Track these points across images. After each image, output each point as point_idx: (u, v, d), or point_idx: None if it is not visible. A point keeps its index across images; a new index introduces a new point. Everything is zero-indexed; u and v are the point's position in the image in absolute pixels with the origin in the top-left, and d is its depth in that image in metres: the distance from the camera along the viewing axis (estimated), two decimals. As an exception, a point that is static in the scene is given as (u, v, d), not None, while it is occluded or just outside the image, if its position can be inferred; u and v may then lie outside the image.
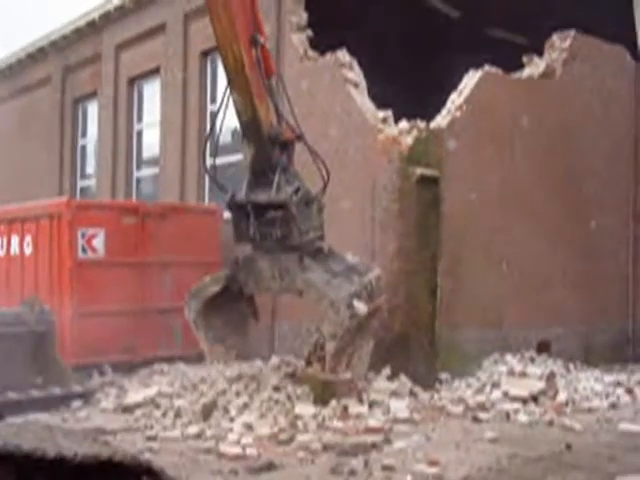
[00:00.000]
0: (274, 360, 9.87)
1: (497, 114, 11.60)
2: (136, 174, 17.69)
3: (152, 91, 17.04)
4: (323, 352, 9.17)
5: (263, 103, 9.12)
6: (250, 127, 9.15)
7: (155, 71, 16.60)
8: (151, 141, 17.03)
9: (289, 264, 9.31)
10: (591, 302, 12.69)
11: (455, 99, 11.28)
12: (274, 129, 9.22)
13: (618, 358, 12.95)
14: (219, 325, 10.05)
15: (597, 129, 13.00)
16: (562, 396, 10.03)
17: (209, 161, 10.01)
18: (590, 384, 10.85)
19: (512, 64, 12.24)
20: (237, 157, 13.91)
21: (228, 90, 9.23)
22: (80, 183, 20.16)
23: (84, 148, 20.21)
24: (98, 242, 11.47)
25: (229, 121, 14.89)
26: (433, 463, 6.94)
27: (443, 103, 11.36)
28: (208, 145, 10.24)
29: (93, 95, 19.04)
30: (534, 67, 12.41)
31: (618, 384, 11.01)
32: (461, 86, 11.41)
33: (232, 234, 9.75)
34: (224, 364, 9.70)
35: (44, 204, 12.41)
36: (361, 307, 9.05)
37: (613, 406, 10.03)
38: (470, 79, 11.39)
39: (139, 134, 17.70)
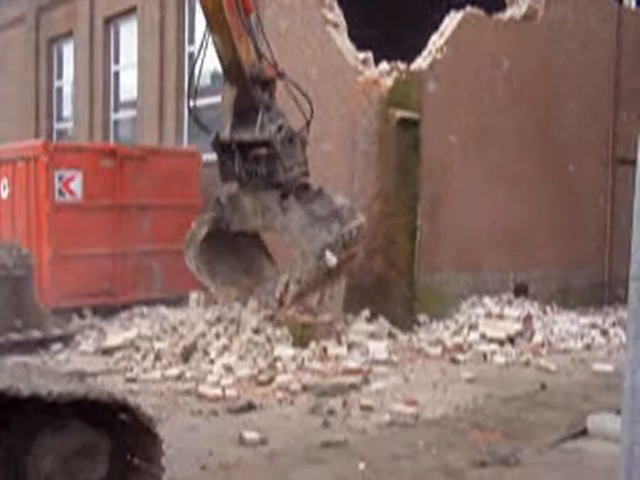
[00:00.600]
0: (253, 303, 9.90)
1: (478, 56, 11.50)
2: (114, 116, 17.46)
3: (129, 31, 16.71)
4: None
5: (243, 43, 9.03)
6: (231, 67, 9.11)
7: (132, 10, 16.25)
8: (129, 83, 16.76)
9: (270, 201, 9.40)
10: (569, 245, 12.79)
11: (436, 40, 11.15)
12: (255, 68, 9.19)
13: (594, 300, 13.13)
14: (227, 269, 10.07)
15: (578, 71, 12.94)
16: (538, 337, 10.19)
17: (191, 102, 9.86)
18: (566, 326, 11.02)
19: (494, 5, 12.10)
20: (217, 99, 13.74)
21: (207, 32, 9.13)
22: (57, 125, 19.88)
23: (60, 90, 19.86)
24: (75, 185, 11.34)
25: (208, 64, 14.80)
26: (411, 403, 7.05)
27: (424, 44, 11.24)
28: (190, 86, 10.08)
29: (68, 35, 18.64)
30: (516, 8, 12.27)
31: (593, 326, 11.19)
32: (442, 27, 11.28)
33: (218, 173, 9.78)
34: (239, 304, 9.73)
35: (20, 147, 12.23)
36: (331, 259, 9.18)
37: (588, 347, 10.21)
38: (451, 20, 11.26)
39: (116, 75, 17.41)
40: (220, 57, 9.10)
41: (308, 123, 9.64)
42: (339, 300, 9.78)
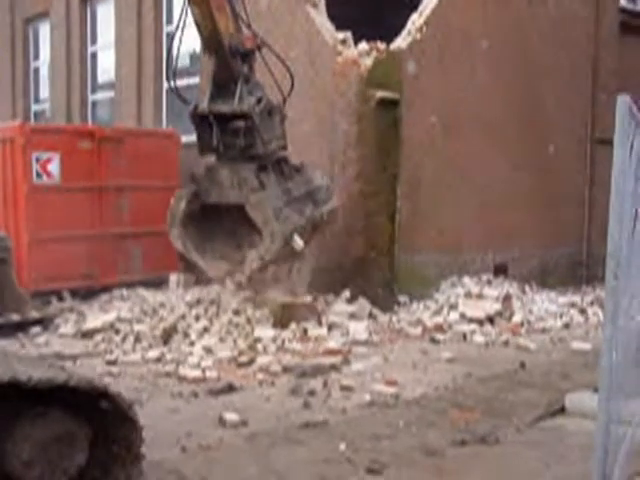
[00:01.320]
0: (232, 284, 9.88)
1: (457, 36, 11.48)
2: (91, 98, 17.28)
3: (106, 11, 16.51)
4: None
5: (222, 14, 8.97)
6: (210, 39, 9.05)
7: (109, -10, 16.07)
8: (106, 64, 16.59)
9: (247, 174, 9.34)
10: (548, 225, 12.86)
11: (415, 20, 11.12)
12: (234, 39, 9.13)
13: (573, 280, 13.23)
14: (216, 244, 9.93)
15: (557, 52, 12.95)
16: (517, 317, 10.27)
17: (171, 76, 9.78)
18: (545, 305, 11.11)
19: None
20: (196, 80, 13.66)
21: (186, 3, 9.04)
22: (34, 107, 19.65)
23: (37, 71, 19.62)
24: (53, 167, 11.23)
25: (187, 44, 14.67)
26: (391, 383, 7.08)
27: (403, 24, 11.20)
28: (170, 56, 9.97)
29: (45, 15, 18.38)
30: (495, -13, 12.24)
31: (572, 305, 11.29)
32: (422, 7, 11.25)
33: (196, 145, 9.73)
34: (230, 280, 9.61)
35: (-4, 128, 12.09)
36: (299, 243, 9.27)
37: (566, 326, 10.30)
38: (431, 0, 11.22)
39: (93, 56, 17.21)
40: (199, 28, 9.02)
41: (288, 95, 9.61)
42: (305, 280, 9.86)
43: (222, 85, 9.31)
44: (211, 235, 9.88)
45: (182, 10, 9.20)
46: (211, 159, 9.81)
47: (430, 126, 11.19)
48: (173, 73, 9.70)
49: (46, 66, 18.91)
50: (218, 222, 9.85)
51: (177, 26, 9.40)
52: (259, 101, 9.26)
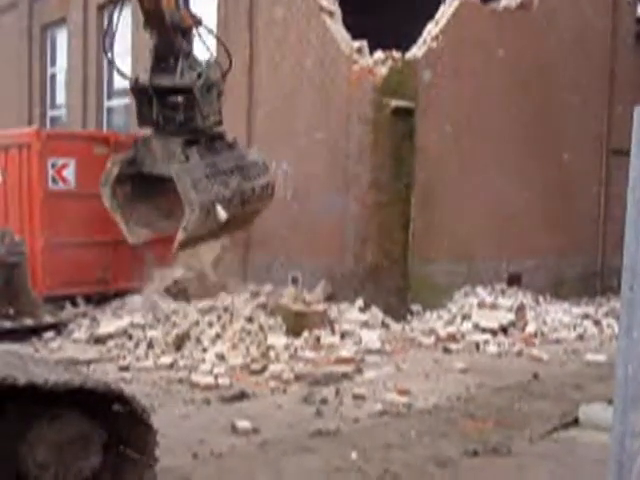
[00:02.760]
0: (246, 291, 9.90)
1: (473, 45, 11.47)
2: (107, 104, 17.37)
3: (123, 18, 16.56)
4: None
5: None
6: (152, 14, 9.26)
7: (125, -3, 16.13)
8: (122, 70, 16.65)
9: (175, 147, 9.49)
10: (562, 235, 12.80)
11: (431, 29, 11.12)
12: (175, 15, 9.30)
13: (587, 291, 13.15)
14: (146, 211, 10.15)
15: (573, 62, 12.92)
16: (531, 327, 10.22)
17: (108, 50, 10.12)
18: (559, 316, 11.05)
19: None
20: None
21: None
22: (50, 113, 19.76)
23: (54, 77, 19.75)
24: (68, 173, 11.28)
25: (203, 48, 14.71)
26: (403, 392, 7.06)
27: (419, 33, 11.20)
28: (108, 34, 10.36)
29: (62, 22, 18.52)
30: (512, -3, 12.24)
31: (586, 316, 11.23)
32: (437, 16, 11.25)
33: (136, 118, 9.98)
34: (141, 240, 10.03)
35: (13, 134, 12.16)
36: (221, 214, 9.34)
37: (580, 337, 10.24)
38: (447, 9, 11.23)
39: (110, 62, 17.29)
40: (141, 3, 9.24)
41: (226, 73, 9.79)
42: (210, 257, 10.24)
43: (163, 59, 9.51)
44: (140, 202, 10.07)
45: None
46: (149, 130, 9.99)
47: (445, 135, 11.18)
48: (110, 45, 9.98)
49: (63, 72, 19.02)
50: (150, 191, 10.01)
51: (114, 6, 9.83)
52: (200, 76, 9.41)
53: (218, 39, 9.87)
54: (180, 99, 9.47)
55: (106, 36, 9.97)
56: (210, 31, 9.84)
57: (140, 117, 9.84)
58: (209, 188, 9.35)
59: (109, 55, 9.95)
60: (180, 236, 9.39)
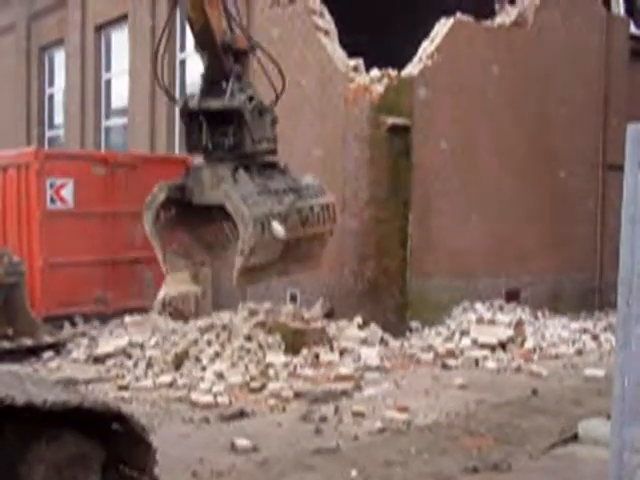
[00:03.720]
0: (245, 309, 9.90)
1: (468, 62, 11.55)
2: (105, 124, 17.44)
3: (120, 39, 16.71)
4: None
5: (215, 10, 8.83)
6: (202, 34, 8.91)
7: (123, 18, 16.25)
8: (120, 90, 16.75)
9: (224, 173, 8.99)
10: (560, 251, 12.83)
11: (427, 47, 11.20)
12: (227, 37, 8.98)
13: (585, 306, 13.15)
14: (185, 240, 9.65)
15: (567, 78, 12.99)
16: (530, 343, 10.21)
17: (159, 74, 9.52)
18: (557, 331, 11.05)
19: (484, 12, 12.16)
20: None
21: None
22: (48, 133, 19.85)
23: (52, 97, 19.84)
24: (67, 192, 11.33)
25: (199, 71, 14.79)
26: (402, 409, 7.05)
27: (415, 51, 11.28)
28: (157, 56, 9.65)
29: (60, 43, 18.63)
30: (506, 15, 12.34)
31: (584, 331, 11.23)
32: (433, 34, 11.33)
33: (185, 143, 9.50)
34: (180, 273, 9.54)
35: (11, 154, 12.21)
36: (278, 229, 8.66)
37: (579, 352, 10.24)
38: (442, 27, 11.31)
39: (107, 83, 17.41)
40: (190, 22, 8.91)
41: (277, 98, 9.38)
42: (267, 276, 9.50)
43: (213, 82, 9.14)
44: (182, 231, 9.58)
45: (171, 6, 9.18)
46: (199, 159, 9.58)
47: (441, 151, 11.23)
48: (161, 70, 9.52)
49: (61, 93, 19.12)
50: (194, 222, 9.51)
51: (167, 20, 9.34)
52: (251, 99, 9.04)
53: (273, 62, 9.32)
54: (230, 123, 8.92)
55: (156, 60, 9.39)
56: (266, 53, 9.36)
57: (189, 142, 9.35)
58: (259, 202, 8.65)
59: (159, 77, 9.42)
60: (238, 263, 8.49)
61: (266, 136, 9.20)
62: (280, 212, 8.78)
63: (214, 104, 8.98)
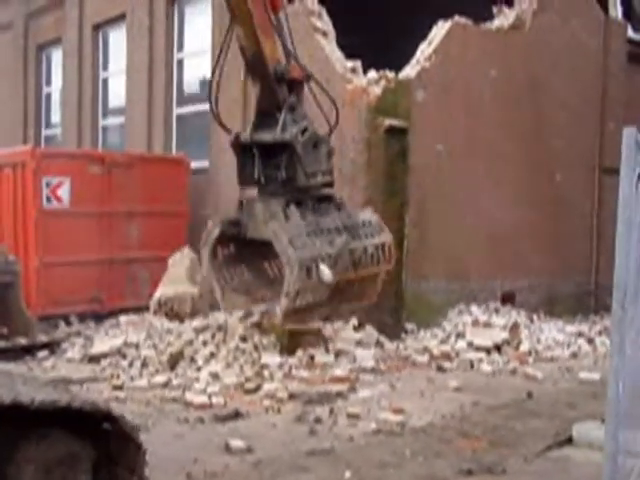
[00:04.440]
0: (240, 311, 9.87)
1: (466, 65, 11.56)
2: (102, 123, 17.42)
3: (118, 38, 16.70)
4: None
5: (269, 38, 8.60)
6: (254, 63, 8.64)
7: (121, 17, 16.23)
8: (117, 89, 16.74)
9: (276, 208, 8.70)
10: (555, 254, 12.84)
11: (424, 49, 11.21)
12: (280, 66, 8.63)
13: (581, 309, 13.17)
14: (246, 277, 9.35)
15: (565, 82, 13.01)
16: (525, 346, 10.22)
17: (213, 103, 9.10)
18: (552, 334, 11.06)
19: (482, 15, 12.17)
20: (204, 107, 13.75)
21: (230, 25, 8.71)
22: (45, 132, 19.81)
23: (49, 96, 19.81)
24: (63, 191, 11.33)
25: (197, 70, 14.78)
26: (397, 411, 7.05)
27: (412, 53, 11.29)
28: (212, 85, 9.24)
29: (57, 42, 18.60)
30: (503, 18, 12.36)
31: (580, 334, 11.24)
32: (430, 36, 11.34)
33: (237, 176, 9.12)
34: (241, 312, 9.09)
35: (8, 153, 12.21)
36: (325, 273, 8.39)
37: (574, 355, 10.25)
38: (439, 29, 11.32)
39: (105, 82, 17.38)
40: (243, 51, 8.64)
41: (332, 129, 9.12)
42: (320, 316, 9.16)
43: (266, 113, 8.80)
44: (241, 267, 9.27)
45: (226, 32, 8.79)
46: (252, 192, 9.22)
47: (438, 154, 11.24)
48: (215, 100, 9.03)
49: (58, 91, 19.09)
50: (252, 257, 9.18)
51: (220, 49, 8.93)
52: (304, 131, 8.65)
53: (326, 93, 9.06)
54: (283, 156, 8.60)
55: (211, 90, 9.00)
56: (319, 85, 9.09)
57: (241, 176, 9.00)
58: (307, 244, 8.35)
59: (214, 107, 9.04)
60: (283, 304, 8.34)
61: (321, 169, 8.87)
62: (330, 254, 8.47)
63: (266, 137, 8.70)
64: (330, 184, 9.09)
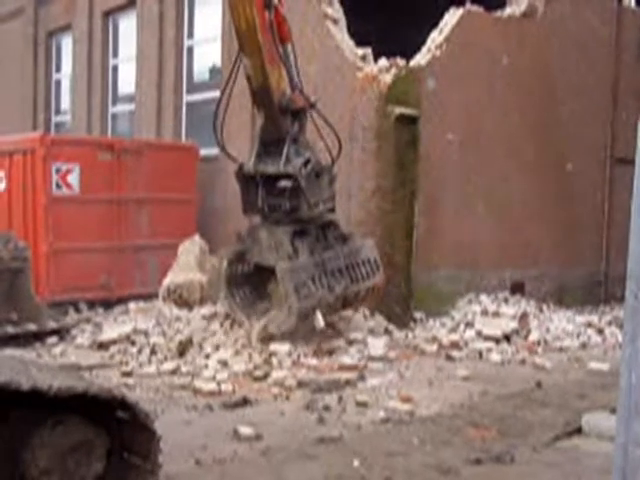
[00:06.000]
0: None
1: (477, 53, 11.49)
2: (112, 110, 17.42)
3: (128, 24, 16.67)
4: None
5: (275, 70, 8.60)
6: (260, 94, 8.63)
7: (131, 4, 16.21)
8: (127, 76, 16.73)
9: (282, 238, 8.80)
10: (565, 244, 12.80)
11: (435, 37, 11.15)
12: (285, 97, 8.70)
13: (590, 299, 13.14)
14: (264, 305, 9.24)
15: (577, 70, 12.93)
16: (534, 335, 10.20)
17: (219, 131, 9.22)
18: (562, 324, 11.03)
19: (494, 2, 12.09)
20: (214, 94, 13.74)
21: (239, 54, 8.68)
22: (55, 118, 19.83)
23: (59, 83, 19.83)
24: (73, 178, 11.33)
25: (207, 59, 14.74)
26: (406, 400, 7.05)
27: (423, 41, 11.22)
28: (217, 117, 9.34)
29: (67, 28, 18.59)
30: (515, 6, 12.27)
31: (589, 324, 11.20)
32: (442, 24, 11.27)
33: (241, 204, 9.20)
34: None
35: (18, 139, 12.21)
36: (320, 322, 8.69)
37: (583, 345, 10.22)
38: (451, 17, 11.25)
39: (114, 69, 17.38)
40: (249, 81, 8.64)
41: (335, 159, 9.16)
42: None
43: (270, 143, 8.87)
44: (258, 295, 9.31)
45: (234, 61, 8.80)
46: (256, 218, 9.31)
47: (448, 143, 11.19)
48: (221, 129, 9.15)
49: (68, 78, 19.10)
50: (264, 284, 9.24)
51: (227, 80, 8.92)
52: (307, 163, 8.73)
53: (327, 123, 9.10)
54: (286, 186, 8.69)
55: (216, 118, 9.12)
56: (321, 115, 9.12)
57: (245, 204, 9.13)
58: (313, 293, 8.54)
59: (219, 136, 9.16)
60: (264, 331, 8.62)
61: (323, 198, 8.99)
62: (329, 302, 8.75)
63: (269, 169, 8.80)
64: (332, 210, 9.25)
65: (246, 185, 9.08)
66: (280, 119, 8.74)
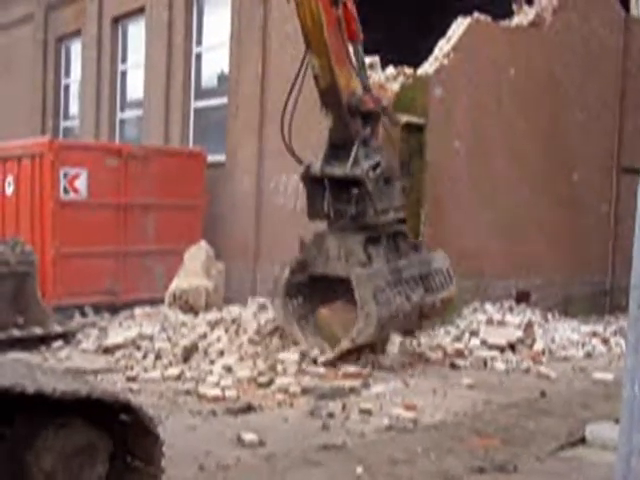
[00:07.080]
0: (254, 304, 9.90)
1: (484, 62, 11.52)
2: (120, 115, 17.49)
3: (137, 31, 16.75)
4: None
5: (344, 69, 8.38)
6: (328, 94, 8.37)
7: (140, 10, 16.28)
8: (135, 82, 16.80)
9: (354, 246, 8.46)
10: (571, 254, 12.78)
11: (443, 46, 11.17)
12: (355, 98, 8.42)
13: (596, 309, 13.11)
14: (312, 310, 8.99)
15: (584, 80, 12.94)
16: (539, 345, 10.17)
17: (286, 131, 8.91)
18: (567, 334, 11.01)
19: (501, 12, 12.12)
20: (222, 101, 13.79)
21: (306, 53, 8.47)
22: (63, 123, 19.92)
23: (67, 88, 19.92)
24: (80, 183, 11.38)
25: (215, 65, 14.79)
26: (410, 408, 7.05)
27: (431, 50, 11.25)
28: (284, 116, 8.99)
29: (77, 34, 18.69)
30: (523, 15, 12.29)
31: (594, 334, 11.18)
32: (449, 33, 11.30)
33: (306, 210, 8.90)
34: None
35: (26, 144, 12.27)
36: (396, 341, 8.62)
37: (588, 355, 10.20)
38: (458, 26, 11.28)
39: (123, 75, 17.45)
40: (316, 80, 8.37)
41: (402, 166, 8.98)
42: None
43: (339, 146, 8.54)
44: (311, 308, 8.92)
45: (302, 60, 8.55)
46: (322, 225, 8.94)
47: (455, 151, 11.21)
48: (289, 129, 8.82)
49: (76, 83, 19.18)
50: (326, 294, 8.80)
51: (293, 82, 8.70)
52: (376, 167, 8.43)
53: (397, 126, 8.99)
54: (353, 191, 8.36)
55: (283, 116, 8.78)
56: (392, 119, 8.96)
57: (310, 208, 8.78)
58: (390, 300, 8.23)
59: (285, 136, 8.83)
60: (345, 344, 8.27)
61: (393, 206, 8.71)
62: (405, 311, 8.48)
63: (337, 171, 8.50)
64: (402, 221, 8.99)
65: (312, 189, 8.71)
66: (349, 120, 8.45)
